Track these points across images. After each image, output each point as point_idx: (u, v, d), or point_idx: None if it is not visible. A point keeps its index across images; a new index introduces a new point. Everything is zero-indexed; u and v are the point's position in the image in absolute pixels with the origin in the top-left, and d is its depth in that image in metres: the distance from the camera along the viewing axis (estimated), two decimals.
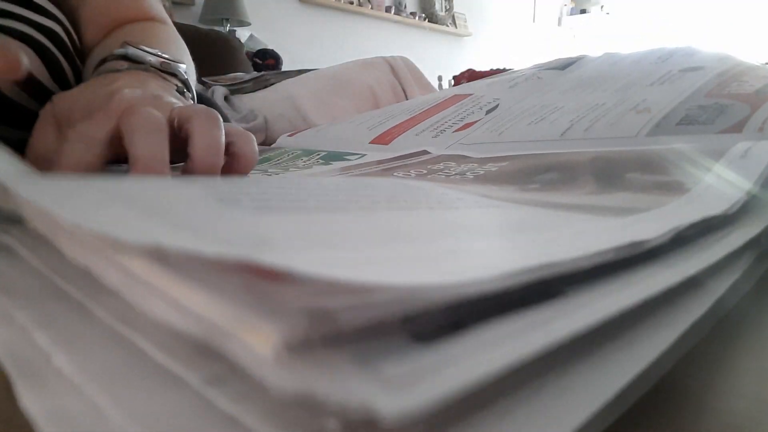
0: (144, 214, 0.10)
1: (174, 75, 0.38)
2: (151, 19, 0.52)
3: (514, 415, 0.08)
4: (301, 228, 0.11)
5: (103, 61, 0.38)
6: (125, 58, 0.37)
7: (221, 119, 0.28)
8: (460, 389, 0.07)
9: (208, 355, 0.08)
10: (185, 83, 0.38)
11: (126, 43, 0.38)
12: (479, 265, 0.09)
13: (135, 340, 0.10)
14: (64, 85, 0.43)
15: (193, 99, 0.39)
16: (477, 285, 0.09)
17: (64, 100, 0.31)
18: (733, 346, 0.14)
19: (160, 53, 0.38)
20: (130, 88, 0.31)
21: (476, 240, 0.12)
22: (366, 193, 0.17)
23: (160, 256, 0.08)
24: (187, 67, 0.40)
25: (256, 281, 0.08)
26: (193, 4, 2.56)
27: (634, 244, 0.12)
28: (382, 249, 0.10)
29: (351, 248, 0.10)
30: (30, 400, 0.09)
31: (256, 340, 0.07)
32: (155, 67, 0.37)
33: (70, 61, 0.44)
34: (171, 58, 0.38)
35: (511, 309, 0.10)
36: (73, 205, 0.11)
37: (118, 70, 0.35)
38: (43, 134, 0.30)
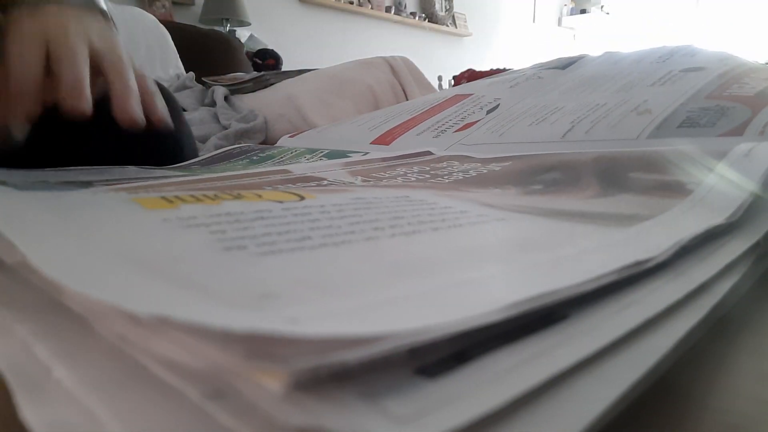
0: (149, 274, 0.10)
1: (99, 9, 0.40)
2: None
3: (511, 426, 0.08)
4: (305, 272, 0.11)
5: None
6: None
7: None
8: (464, 424, 0.07)
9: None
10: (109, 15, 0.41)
11: None
12: (481, 299, 0.09)
13: (135, 355, 0.10)
14: None
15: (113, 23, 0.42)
16: (479, 319, 0.09)
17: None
18: (733, 346, 0.14)
19: None
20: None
21: (479, 268, 0.12)
22: (369, 217, 0.17)
23: (169, 325, 0.08)
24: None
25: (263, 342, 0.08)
26: (193, 4, 2.56)
27: (637, 264, 0.12)
28: (385, 290, 0.10)
29: (355, 293, 0.10)
30: (30, 411, 0.09)
31: (265, 379, 0.07)
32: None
33: None
34: None
35: (515, 336, 0.10)
36: (75, 265, 0.11)
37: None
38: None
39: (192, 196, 0.17)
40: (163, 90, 0.50)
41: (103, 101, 0.45)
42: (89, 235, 0.13)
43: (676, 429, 0.11)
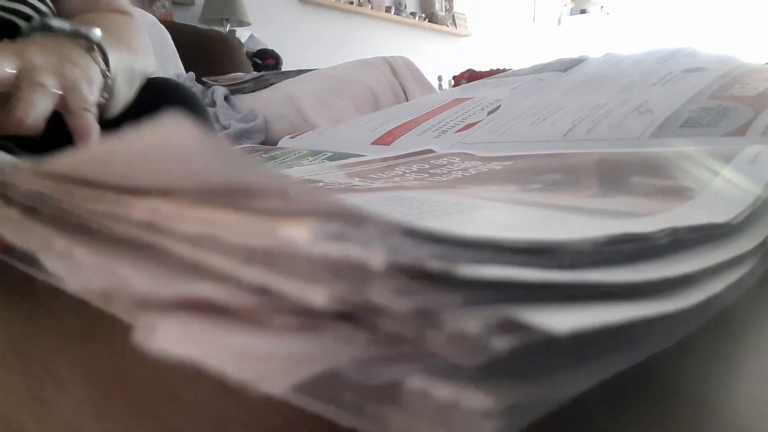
0: None
1: (85, 38, 0.42)
2: (116, 10, 0.57)
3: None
4: None
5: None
6: (44, 28, 0.41)
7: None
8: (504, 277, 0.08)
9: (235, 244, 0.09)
10: (99, 45, 0.43)
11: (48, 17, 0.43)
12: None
13: (157, 242, 0.10)
14: None
15: (104, 57, 0.44)
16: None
17: None
18: (734, 346, 0.14)
19: (78, 26, 0.43)
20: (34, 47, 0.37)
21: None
22: None
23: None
24: (142, 47, 0.49)
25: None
26: (193, 4, 2.56)
27: (627, 236, 0.12)
28: None
29: None
30: (54, 265, 0.10)
31: (298, 229, 0.08)
32: (66, 33, 0.42)
33: None
34: (85, 28, 0.43)
35: None
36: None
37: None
38: None
39: None
40: (185, 90, 0.52)
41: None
42: None
43: (677, 429, 0.11)
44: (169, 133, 0.09)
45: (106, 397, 0.12)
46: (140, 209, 0.11)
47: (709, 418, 0.11)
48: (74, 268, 0.11)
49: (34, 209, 0.15)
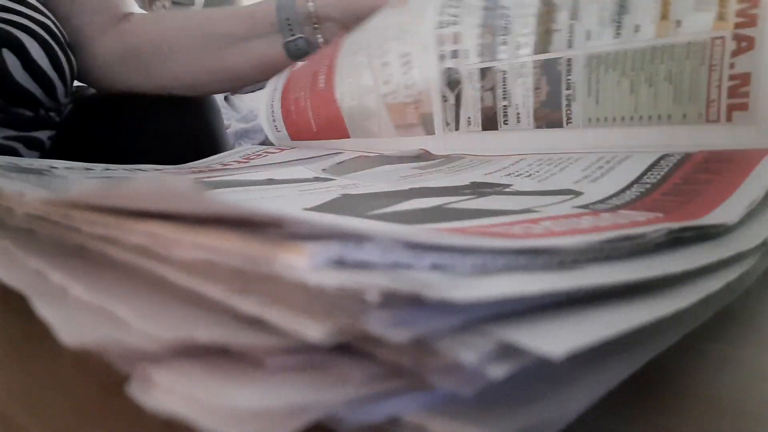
0: None
1: None
2: (124, 13, 0.57)
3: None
4: None
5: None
6: None
7: None
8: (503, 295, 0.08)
9: (232, 274, 0.09)
10: None
11: None
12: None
13: (153, 269, 0.10)
14: (61, 72, 0.49)
15: None
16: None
17: None
18: (736, 346, 0.14)
19: None
20: None
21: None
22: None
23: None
24: None
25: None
26: (192, 4, 2.56)
27: (623, 237, 0.12)
28: None
29: None
30: (46, 311, 0.10)
31: (295, 257, 0.08)
32: None
33: (62, 50, 0.49)
34: None
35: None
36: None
37: None
38: None
39: None
40: None
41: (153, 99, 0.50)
42: None
43: (678, 427, 0.11)
44: (162, 196, 0.09)
45: (106, 397, 0.12)
46: (138, 233, 0.10)
47: (711, 416, 0.11)
48: (68, 312, 0.10)
49: (29, 238, 0.14)
